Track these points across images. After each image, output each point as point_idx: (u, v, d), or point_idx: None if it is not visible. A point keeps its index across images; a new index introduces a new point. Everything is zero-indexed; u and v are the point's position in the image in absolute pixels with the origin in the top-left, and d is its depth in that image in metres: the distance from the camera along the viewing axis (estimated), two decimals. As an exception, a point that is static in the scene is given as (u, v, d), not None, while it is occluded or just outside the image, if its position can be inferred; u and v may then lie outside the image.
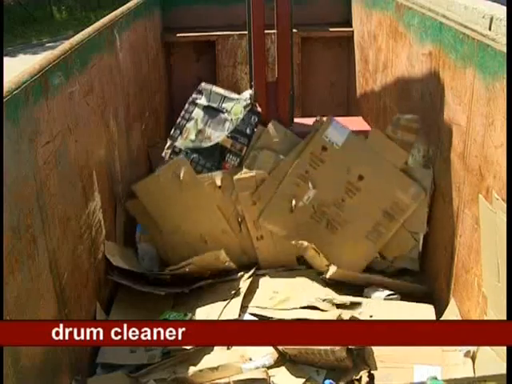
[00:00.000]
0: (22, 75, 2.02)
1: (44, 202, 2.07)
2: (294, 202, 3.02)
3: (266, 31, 3.32)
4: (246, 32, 3.37)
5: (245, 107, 3.26)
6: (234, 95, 3.38)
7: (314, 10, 4.85)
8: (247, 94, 3.33)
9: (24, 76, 2.02)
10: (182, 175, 3.09)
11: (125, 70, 3.39)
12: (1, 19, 9.65)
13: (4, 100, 1.82)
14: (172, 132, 3.32)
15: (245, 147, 3.17)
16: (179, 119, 3.34)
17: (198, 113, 3.31)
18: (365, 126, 3.50)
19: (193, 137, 3.26)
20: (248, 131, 3.20)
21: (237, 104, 3.30)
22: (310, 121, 3.29)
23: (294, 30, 3.58)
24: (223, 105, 3.32)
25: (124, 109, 3.32)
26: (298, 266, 3.11)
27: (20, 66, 2.18)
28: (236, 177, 3.08)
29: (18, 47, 11.82)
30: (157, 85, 4.46)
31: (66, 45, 2.52)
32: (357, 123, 3.49)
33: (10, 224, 1.80)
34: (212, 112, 3.31)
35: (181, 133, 3.28)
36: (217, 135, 3.23)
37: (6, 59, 8.83)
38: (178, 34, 4.81)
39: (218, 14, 4.87)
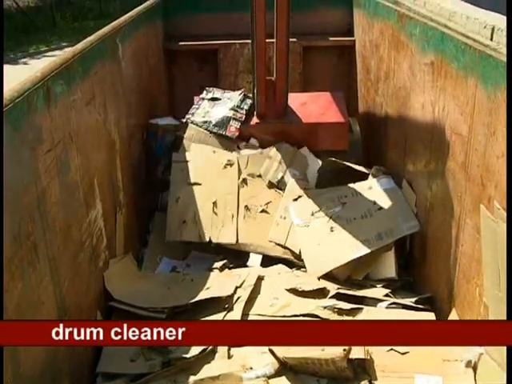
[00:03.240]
0: (24, 83, 2.02)
1: (45, 209, 2.07)
2: (321, 209, 3.37)
3: (268, 40, 3.45)
4: (248, 41, 3.47)
5: (239, 95, 4.08)
6: (231, 92, 4.16)
7: (316, 20, 4.88)
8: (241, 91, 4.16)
9: (26, 84, 2.02)
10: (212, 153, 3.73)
11: (127, 78, 3.40)
12: (1, 26, 9.69)
13: (6, 108, 1.82)
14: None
15: (244, 115, 3.94)
16: (191, 110, 4.02)
17: (204, 103, 4.07)
18: (338, 116, 3.95)
19: (202, 114, 3.98)
20: (245, 107, 3.99)
21: (234, 95, 4.09)
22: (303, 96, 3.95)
23: (295, 40, 3.64)
24: (224, 95, 4.10)
25: (126, 117, 3.33)
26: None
27: (22, 74, 2.18)
28: (292, 180, 3.64)
29: (19, 55, 11.85)
30: (159, 93, 4.47)
31: (68, 53, 2.53)
32: (332, 113, 3.98)
33: (10, 231, 1.80)
34: (215, 100, 4.08)
35: (192, 115, 3.98)
36: (220, 110, 3.97)
37: (7, 67, 8.87)
38: (180, 43, 4.83)
39: (220, 23, 4.90)
